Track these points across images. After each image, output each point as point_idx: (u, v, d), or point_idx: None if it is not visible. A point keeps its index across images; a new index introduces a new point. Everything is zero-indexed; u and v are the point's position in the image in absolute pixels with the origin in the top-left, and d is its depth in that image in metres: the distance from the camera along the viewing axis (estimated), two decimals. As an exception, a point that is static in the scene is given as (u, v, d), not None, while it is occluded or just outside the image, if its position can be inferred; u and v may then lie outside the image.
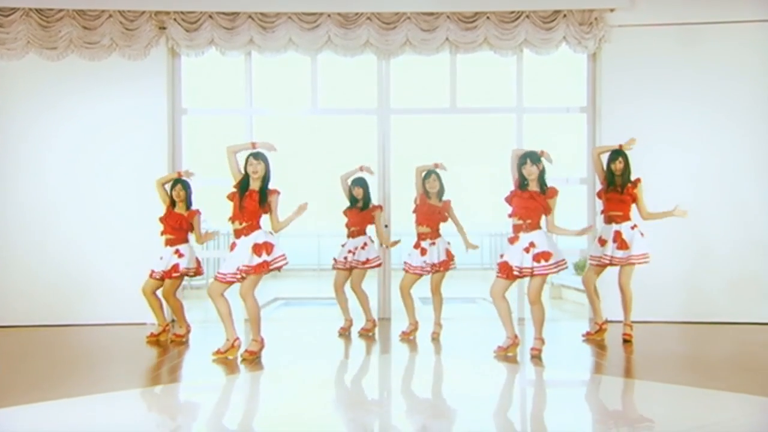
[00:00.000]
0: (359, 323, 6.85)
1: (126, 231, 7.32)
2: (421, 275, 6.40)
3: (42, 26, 7.22)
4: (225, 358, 5.53)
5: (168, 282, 6.38)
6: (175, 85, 7.61)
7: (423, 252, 6.36)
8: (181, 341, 6.40)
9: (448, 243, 6.48)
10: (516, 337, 5.63)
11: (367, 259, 6.69)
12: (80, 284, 7.28)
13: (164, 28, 7.32)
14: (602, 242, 6.20)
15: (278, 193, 5.56)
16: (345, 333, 6.73)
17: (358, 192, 6.74)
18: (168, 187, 6.46)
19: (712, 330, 6.91)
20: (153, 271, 6.38)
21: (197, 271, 6.48)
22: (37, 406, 4.18)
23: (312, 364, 5.57)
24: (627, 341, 6.12)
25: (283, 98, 8.00)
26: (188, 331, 6.56)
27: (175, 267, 6.34)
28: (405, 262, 6.46)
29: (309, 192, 7.36)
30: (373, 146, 7.69)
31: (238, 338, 5.64)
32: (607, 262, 6.14)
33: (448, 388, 5.02)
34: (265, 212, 5.52)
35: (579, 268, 9.58)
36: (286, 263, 5.53)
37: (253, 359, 5.48)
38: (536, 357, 5.45)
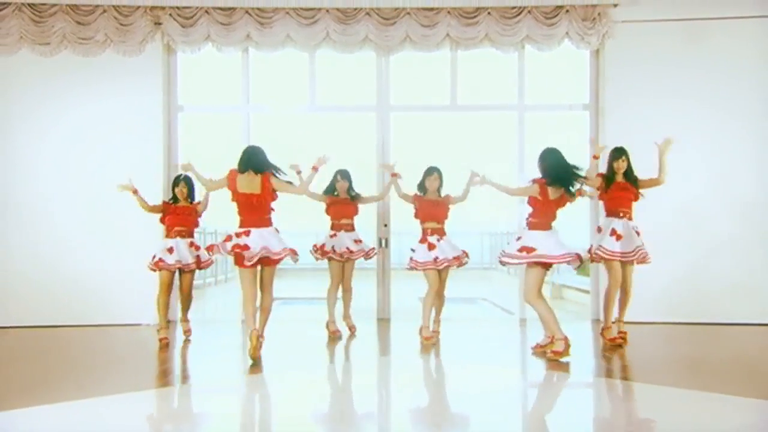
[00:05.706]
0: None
1: (120, 231, 7.17)
2: (435, 269, 6.07)
3: (35, 21, 7.09)
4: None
5: (188, 275, 6.28)
6: (171, 81, 7.51)
7: (431, 247, 6.06)
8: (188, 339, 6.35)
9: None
10: (566, 338, 5.31)
11: (366, 252, 6.55)
12: (73, 285, 7.15)
13: (160, 24, 7.21)
14: (619, 237, 5.79)
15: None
16: (338, 335, 6.50)
17: (343, 186, 6.49)
18: (156, 193, 6.23)
19: (714, 331, 6.80)
20: (168, 263, 6.06)
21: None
22: (34, 409, 4.04)
23: (312, 369, 5.43)
24: (622, 344, 5.89)
25: (280, 95, 7.93)
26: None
27: (198, 259, 6.22)
28: (411, 259, 6.11)
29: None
30: (372, 144, 7.58)
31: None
32: (633, 257, 5.81)
33: (459, 398, 4.79)
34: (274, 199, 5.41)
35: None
36: None
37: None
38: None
